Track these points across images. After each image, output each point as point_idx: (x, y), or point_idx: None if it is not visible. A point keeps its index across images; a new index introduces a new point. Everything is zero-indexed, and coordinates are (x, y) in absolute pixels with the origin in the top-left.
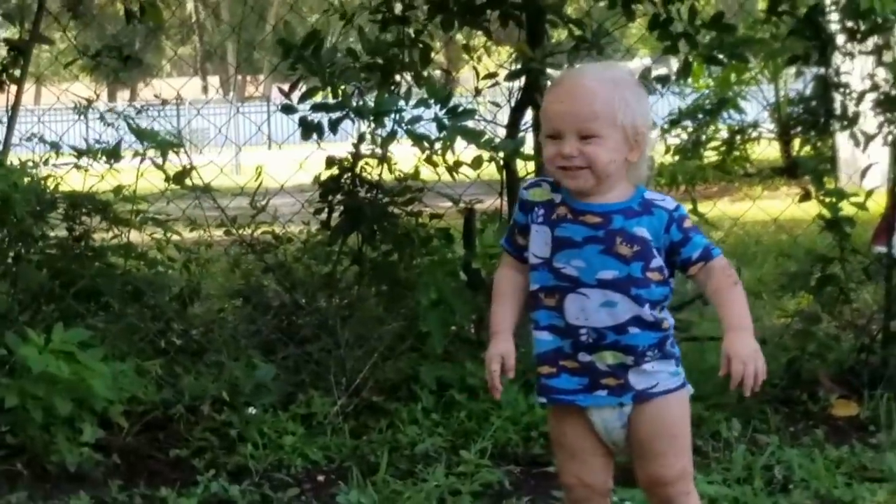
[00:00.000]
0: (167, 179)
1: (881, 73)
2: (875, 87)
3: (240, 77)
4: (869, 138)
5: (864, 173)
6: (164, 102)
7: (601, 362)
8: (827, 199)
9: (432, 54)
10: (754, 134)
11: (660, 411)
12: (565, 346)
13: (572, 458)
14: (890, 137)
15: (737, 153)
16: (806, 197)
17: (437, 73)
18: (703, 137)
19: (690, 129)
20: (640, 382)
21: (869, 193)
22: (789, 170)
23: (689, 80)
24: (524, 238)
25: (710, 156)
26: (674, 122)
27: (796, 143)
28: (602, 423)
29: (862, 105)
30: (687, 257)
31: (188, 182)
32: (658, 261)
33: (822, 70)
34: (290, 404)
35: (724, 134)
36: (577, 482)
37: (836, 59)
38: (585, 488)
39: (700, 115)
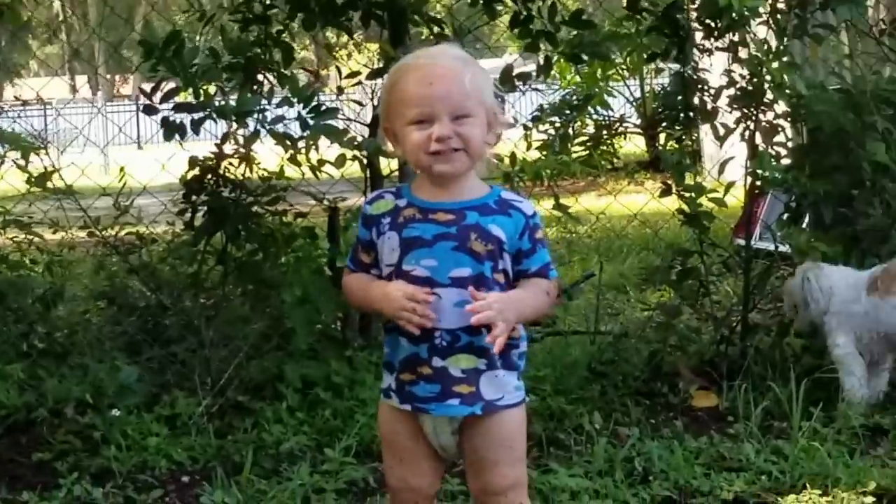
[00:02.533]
0: (29, 181)
1: (738, 69)
2: (732, 83)
3: (109, 76)
4: (727, 133)
5: (722, 167)
6: (25, 103)
7: (455, 367)
8: (686, 194)
9: (300, 54)
10: (620, 129)
11: (498, 423)
12: (421, 352)
13: (401, 461)
14: (747, 133)
15: (603, 148)
16: (666, 191)
17: (302, 72)
18: (571, 133)
19: (557, 125)
20: (490, 392)
21: (728, 187)
22: (654, 164)
23: (557, 76)
24: (368, 255)
25: (578, 151)
26: (536, 119)
27: (662, 137)
28: (432, 428)
29: (721, 100)
30: (526, 269)
31: (49, 184)
32: (504, 263)
33: (681, 66)
34: (154, 405)
35: (591, 129)
36: (403, 485)
37: (696, 55)
38: (411, 492)
39: (567, 111)
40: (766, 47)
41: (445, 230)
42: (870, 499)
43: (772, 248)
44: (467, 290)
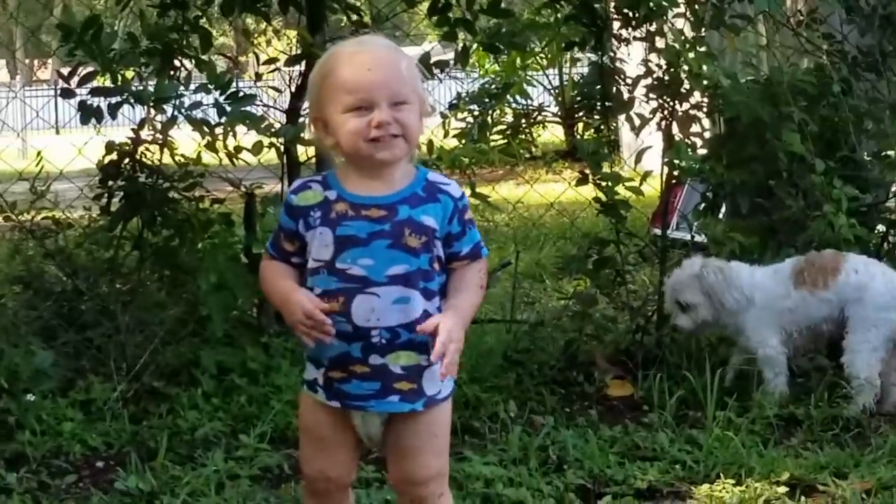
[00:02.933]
0: None
1: (655, 59)
2: (649, 73)
3: (27, 61)
4: (644, 123)
5: (638, 157)
6: None
7: (395, 364)
8: (603, 183)
9: (218, 40)
10: (539, 118)
11: (431, 415)
12: (353, 351)
13: (321, 450)
14: (663, 123)
15: (522, 137)
16: (583, 180)
17: (220, 59)
18: (489, 121)
19: (476, 113)
20: (431, 388)
21: (644, 176)
22: (572, 153)
23: (476, 65)
24: (292, 244)
25: (496, 139)
26: (453, 106)
27: (580, 127)
28: (362, 420)
29: (638, 90)
30: (458, 251)
31: None
32: (439, 250)
33: (599, 56)
34: (69, 390)
35: (509, 118)
36: (320, 475)
37: (613, 44)
38: (328, 481)
39: (486, 100)
40: (683, 37)
41: (379, 228)
42: (783, 489)
43: (688, 238)
44: (405, 286)
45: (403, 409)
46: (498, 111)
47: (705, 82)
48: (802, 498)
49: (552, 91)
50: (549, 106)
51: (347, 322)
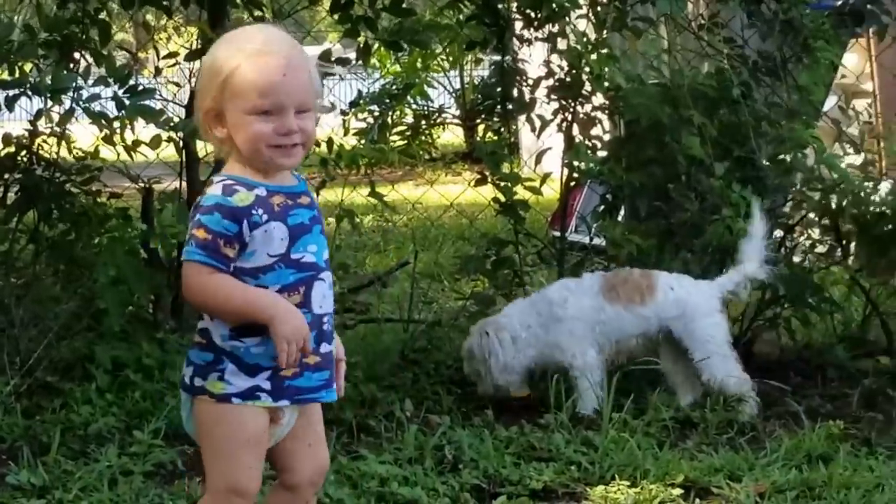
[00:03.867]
0: None
1: (556, 60)
2: (551, 74)
3: None
4: (544, 124)
5: (538, 158)
6: None
7: (330, 350)
8: (502, 183)
9: (118, 33)
10: (439, 119)
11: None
12: (310, 341)
13: (258, 460)
14: (564, 124)
15: (422, 138)
16: (481, 181)
17: (120, 52)
18: (389, 122)
19: (376, 113)
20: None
21: (544, 178)
22: (472, 155)
23: (377, 64)
24: (233, 249)
25: (395, 140)
26: (354, 106)
27: (481, 129)
28: (288, 419)
29: (539, 91)
30: None
31: None
32: None
33: (501, 56)
34: None
35: (409, 119)
36: (256, 487)
37: (515, 45)
38: (256, 492)
39: (386, 100)
40: (585, 39)
41: (312, 213)
42: (677, 491)
43: (586, 240)
44: (330, 271)
45: (334, 398)
46: (398, 112)
47: (606, 84)
48: (697, 500)
49: (453, 93)
50: (449, 108)
51: (308, 311)
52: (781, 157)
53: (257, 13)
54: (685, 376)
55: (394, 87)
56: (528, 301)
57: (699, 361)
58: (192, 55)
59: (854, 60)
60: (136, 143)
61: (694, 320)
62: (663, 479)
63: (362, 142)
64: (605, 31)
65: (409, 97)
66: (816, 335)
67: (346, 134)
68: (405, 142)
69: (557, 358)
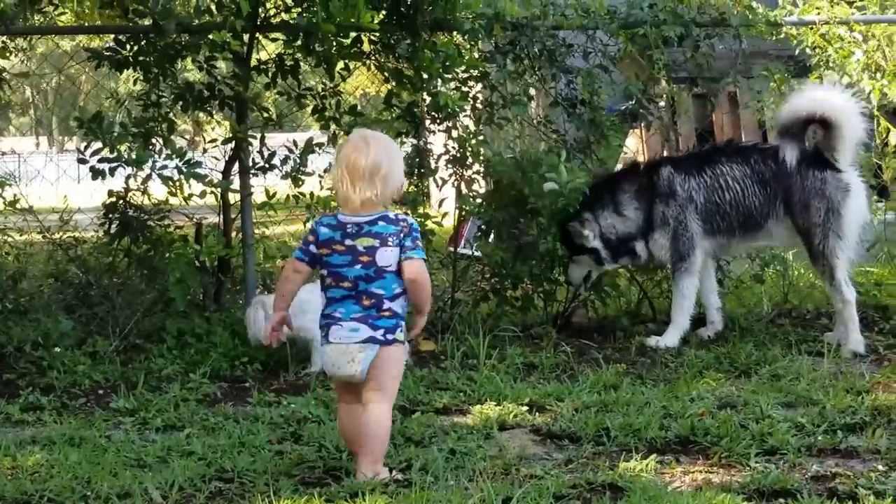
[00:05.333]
0: (5, 203)
1: (451, 143)
2: (447, 152)
3: (59, 137)
4: (444, 183)
5: (440, 203)
6: (3, 154)
7: None
8: (418, 219)
9: (180, 126)
10: None
11: None
12: None
13: None
14: (456, 182)
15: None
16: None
17: (180, 138)
18: None
19: None
20: None
21: (443, 215)
22: (401, 201)
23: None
24: None
25: None
26: (326, 170)
27: (407, 185)
28: None
29: (441, 162)
30: None
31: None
32: None
33: (417, 140)
34: (82, 345)
35: None
36: None
37: (426, 134)
38: None
39: None
40: (468, 130)
41: None
42: (525, 408)
43: (470, 253)
44: None
45: None
46: None
47: (481, 158)
48: (537, 413)
49: None
50: None
51: None
52: None
53: (265, 115)
54: None
55: None
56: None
57: None
58: (226, 140)
59: (633, 142)
60: (191, 195)
61: None
62: (516, 401)
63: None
64: (480, 125)
65: None
66: (610, 311)
67: (321, 188)
68: None
69: (303, 336)
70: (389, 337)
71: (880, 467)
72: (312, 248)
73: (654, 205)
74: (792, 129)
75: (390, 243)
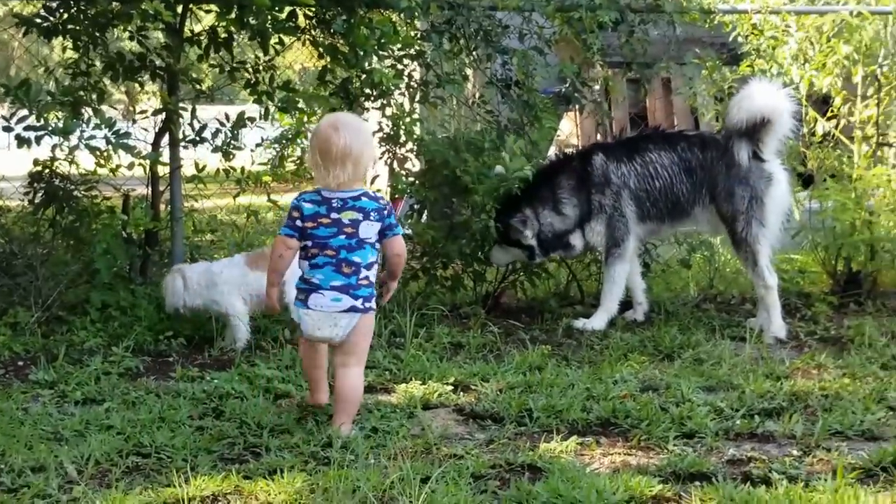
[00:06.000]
0: None
1: (385, 121)
2: (381, 130)
3: None
4: (376, 160)
5: (372, 181)
6: None
7: None
8: None
9: (110, 96)
10: None
11: None
12: None
13: None
14: (388, 161)
15: (305, 165)
16: None
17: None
18: (285, 154)
19: (277, 149)
20: None
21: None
22: None
23: (276, 119)
24: None
25: (289, 166)
26: (258, 145)
27: None
28: None
29: (375, 139)
30: None
31: None
32: None
33: None
34: (3, 316)
35: (298, 152)
36: None
37: (359, 111)
38: None
39: (283, 141)
40: (402, 108)
41: None
42: (450, 387)
43: (404, 232)
44: None
45: None
46: (291, 148)
47: (415, 136)
48: (461, 393)
49: None
50: None
51: None
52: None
53: (198, 88)
54: None
55: (288, 133)
56: (204, 266)
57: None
58: (156, 111)
59: (567, 125)
60: (119, 166)
61: None
62: (441, 380)
63: (266, 167)
64: (414, 104)
65: (298, 140)
66: (539, 292)
67: (252, 163)
68: (295, 167)
69: (215, 308)
70: (367, 305)
71: (795, 452)
72: (298, 223)
73: (591, 195)
74: (744, 130)
75: (372, 218)
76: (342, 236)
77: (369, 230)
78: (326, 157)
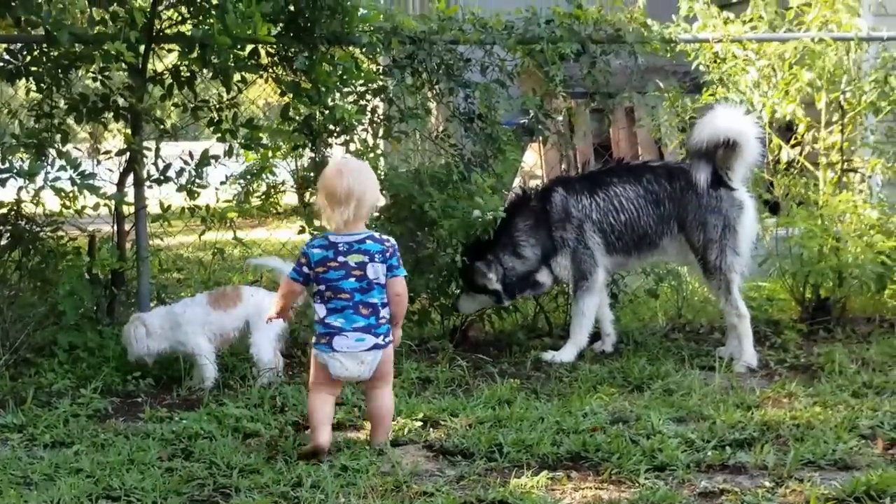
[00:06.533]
0: None
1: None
2: None
3: None
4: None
5: None
6: None
7: None
8: (316, 232)
9: (75, 136)
10: (283, 188)
11: None
12: None
13: None
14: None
15: (272, 200)
16: (302, 230)
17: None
18: (250, 190)
19: (242, 184)
20: None
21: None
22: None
23: (241, 155)
24: None
25: (255, 202)
26: (223, 182)
27: (308, 195)
28: None
29: None
30: None
31: None
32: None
33: (315, 153)
34: None
35: (263, 188)
36: None
37: (324, 147)
38: None
39: (248, 177)
40: (366, 143)
41: None
42: (419, 423)
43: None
44: None
45: None
46: (256, 184)
47: (379, 172)
48: (431, 429)
49: (290, 171)
50: (287, 181)
51: None
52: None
53: (161, 126)
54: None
55: (254, 168)
56: (165, 310)
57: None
58: (121, 152)
59: (531, 156)
60: (84, 207)
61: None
62: (410, 416)
63: (231, 203)
64: (378, 139)
65: (262, 175)
66: (507, 325)
67: (217, 201)
68: (260, 203)
69: (181, 349)
70: (387, 340)
71: (767, 483)
72: (305, 269)
73: (552, 231)
74: (704, 150)
75: (377, 259)
76: (352, 279)
77: (375, 271)
78: (332, 198)
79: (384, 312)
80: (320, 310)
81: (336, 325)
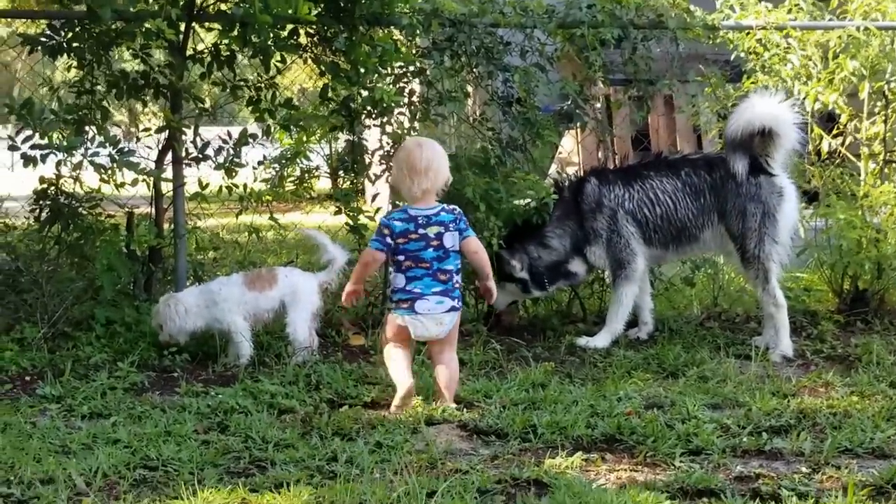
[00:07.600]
0: None
1: (385, 139)
2: (381, 148)
3: None
4: (377, 178)
5: (373, 199)
6: None
7: None
8: (351, 213)
9: (115, 115)
10: (316, 173)
11: None
12: None
13: None
14: (389, 178)
15: (305, 185)
16: (339, 212)
17: (114, 127)
18: (284, 174)
19: (277, 169)
20: None
21: (376, 211)
22: (335, 196)
23: (277, 138)
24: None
25: (288, 185)
26: (260, 163)
27: (341, 179)
28: None
29: (375, 158)
30: None
31: None
32: None
33: (351, 136)
34: (10, 331)
35: (297, 172)
36: None
37: (361, 129)
38: None
39: (283, 161)
40: (403, 126)
41: None
42: (455, 405)
43: None
44: None
45: None
46: (290, 168)
47: None
48: (465, 410)
49: (325, 157)
50: (322, 166)
51: None
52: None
53: (200, 105)
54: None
55: (287, 153)
56: (199, 288)
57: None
58: (160, 129)
59: (568, 143)
60: (123, 183)
61: (299, 296)
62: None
63: (267, 186)
64: (415, 121)
65: (297, 159)
66: (541, 310)
67: (255, 180)
68: (294, 187)
69: (217, 326)
70: (460, 304)
71: (804, 469)
72: (388, 239)
73: (584, 223)
74: (740, 140)
75: (451, 228)
76: (430, 249)
77: (451, 239)
78: (413, 168)
79: (457, 278)
80: (399, 279)
81: (416, 290)
